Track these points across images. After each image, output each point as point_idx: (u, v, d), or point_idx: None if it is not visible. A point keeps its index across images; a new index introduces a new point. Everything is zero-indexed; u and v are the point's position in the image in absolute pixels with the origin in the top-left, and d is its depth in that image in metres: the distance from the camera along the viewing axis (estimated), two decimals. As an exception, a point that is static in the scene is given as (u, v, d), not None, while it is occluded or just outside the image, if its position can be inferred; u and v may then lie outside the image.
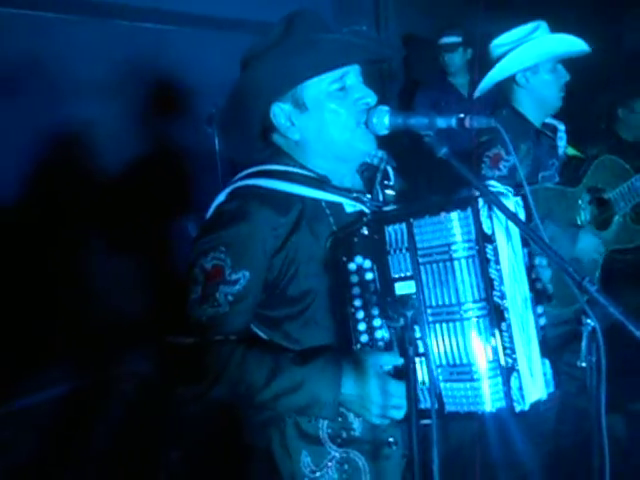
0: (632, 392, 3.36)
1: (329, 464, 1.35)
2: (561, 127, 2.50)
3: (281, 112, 1.37)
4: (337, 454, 1.36)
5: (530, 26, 2.38)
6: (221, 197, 1.36)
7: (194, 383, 1.29)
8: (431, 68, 4.04)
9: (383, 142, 1.53)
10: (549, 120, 2.50)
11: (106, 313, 3.04)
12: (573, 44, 2.34)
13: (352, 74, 1.36)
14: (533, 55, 2.37)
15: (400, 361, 1.24)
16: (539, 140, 2.47)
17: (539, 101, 2.43)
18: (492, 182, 2.38)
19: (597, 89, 3.69)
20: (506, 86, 2.46)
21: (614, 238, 2.51)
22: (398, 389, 1.24)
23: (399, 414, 1.26)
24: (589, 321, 1.22)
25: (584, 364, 1.25)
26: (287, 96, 1.36)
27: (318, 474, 1.35)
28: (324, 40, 1.32)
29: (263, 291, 1.33)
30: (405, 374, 1.12)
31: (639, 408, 3.41)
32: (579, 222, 2.49)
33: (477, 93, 2.49)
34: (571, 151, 2.56)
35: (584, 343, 1.24)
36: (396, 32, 4.27)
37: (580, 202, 2.50)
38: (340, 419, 1.35)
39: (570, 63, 2.44)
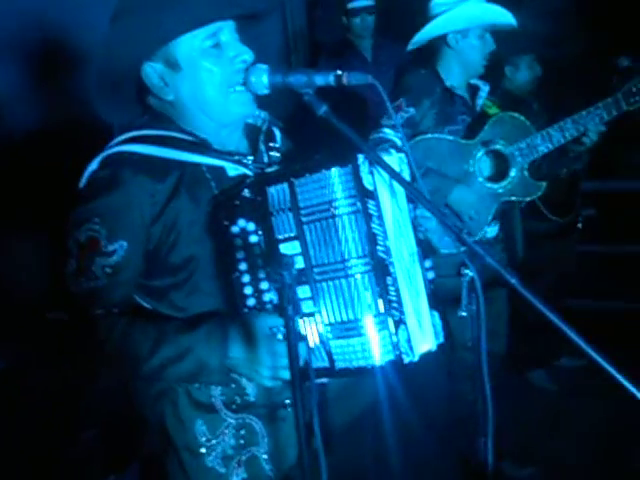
0: (555, 348, 3.55)
1: (225, 431, 1.34)
2: (485, 88, 2.65)
3: (153, 72, 1.31)
4: (233, 420, 1.34)
5: None
6: (93, 165, 1.30)
7: (79, 359, 1.24)
8: (336, 30, 4.00)
9: (274, 102, 1.50)
10: (475, 81, 2.65)
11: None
12: (502, 15, 2.51)
13: (226, 30, 1.31)
14: (465, 19, 2.53)
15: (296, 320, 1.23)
16: (451, 98, 2.62)
17: (464, 64, 2.59)
18: (386, 130, 2.49)
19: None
20: (437, 45, 2.63)
21: (510, 190, 2.60)
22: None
23: (287, 375, 1.25)
24: (468, 271, 1.25)
25: (464, 314, 1.28)
26: (158, 54, 1.30)
27: (214, 442, 1.33)
28: None
29: (144, 261, 1.29)
30: (285, 334, 1.11)
31: (562, 363, 3.62)
32: (471, 171, 2.57)
33: (410, 46, 2.63)
34: (494, 110, 2.67)
35: (464, 293, 1.27)
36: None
37: (475, 153, 2.59)
38: (233, 385, 1.33)
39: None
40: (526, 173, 2.60)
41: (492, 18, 2.53)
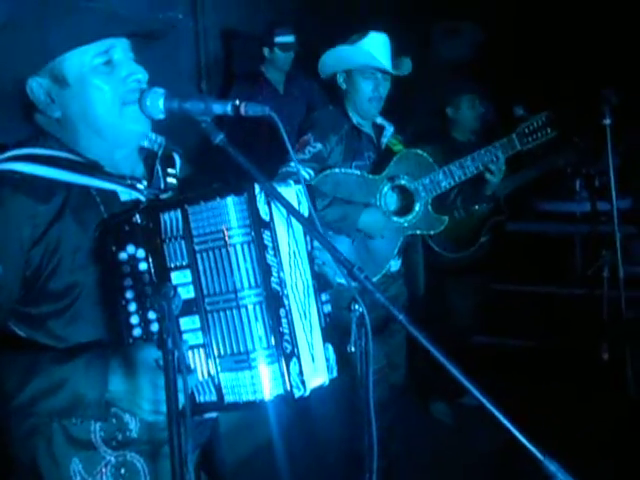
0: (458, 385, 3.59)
1: (103, 470, 1.26)
2: (390, 128, 2.76)
3: (39, 87, 1.25)
4: (112, 458, 1.26)
5: (367, 33, 2.62)
6: None
7: None
8: (250, 62, 4.02)
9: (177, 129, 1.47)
10: (380, 121, 2.76)
11: None
12: (373, 59, 2.57)
13: (119, 48, 1.27)
14: (345, 59, 2.63)
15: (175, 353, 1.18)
16: (358, 135, 2.72)
17: (354, 103, 2.69)
18: (292, 164, 2.52)
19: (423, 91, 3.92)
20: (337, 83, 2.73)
21: (414, 224, 2.70)
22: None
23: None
24: (357, 306, 1.26)
25: (353, 349, 1.28)
26: (45, 69, 1.24)
27: None
28: (84, 9, 1.22)
29: (21, 287, 1.20)
30: (164, 367, 1.06)
31: (466, 402, 3.62)
32: (377, 206, 2.65)
33: (322, 75, 2.75)
34: (399, 148, 2.77)
35: (353, 328, 1.28)
36: (215, 23, 4.20)
37: (381, 188, 2.68)
38: (114, 420, 1.26)
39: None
40: (430, 208, 2.71)
41: (364, 60, 2.59)
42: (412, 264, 2.94)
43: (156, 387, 1.16)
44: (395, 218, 2.68)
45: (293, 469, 2.69)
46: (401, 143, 2.81)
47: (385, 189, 2.68)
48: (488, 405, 1.17)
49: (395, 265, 2.74)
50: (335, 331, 1.44)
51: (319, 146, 2.57)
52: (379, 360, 2.59)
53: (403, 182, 2.68)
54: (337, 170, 2.62)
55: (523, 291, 4.40)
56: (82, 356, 1.19)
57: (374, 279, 2.53)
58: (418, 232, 2.73)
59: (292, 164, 2.42)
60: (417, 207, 2.69)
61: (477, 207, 3.41)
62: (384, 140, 2.77)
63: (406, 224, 2.69)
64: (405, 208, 2.73)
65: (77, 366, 1.18)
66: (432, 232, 2.76)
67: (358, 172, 2.66)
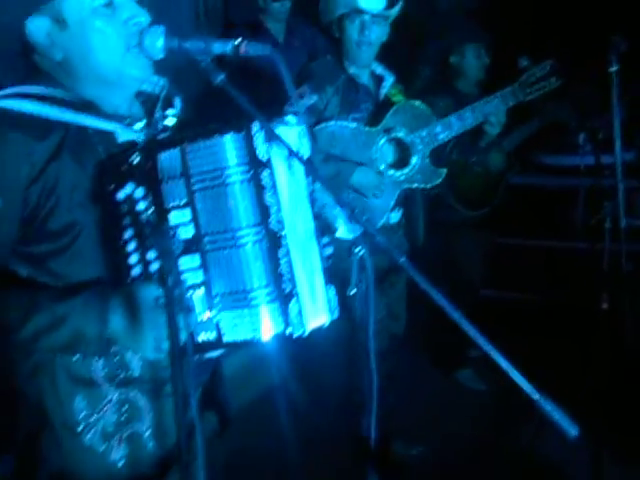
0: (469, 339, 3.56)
1: (106, 407, 1.28)
2: (389, 78, 2.69)
3: (39, 29, 1.23)
4: (115, 395, 1.28)
5: None
6: None
7: None
8: (250, 11, 3.94)
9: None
10: (380, 71, 2.69)
11: None
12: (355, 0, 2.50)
13: None
14: (334, 5, 2.56)
15: (175, 292, 1.18)
16: (355, 86, 2.65)
17: (347, 51, 2.62)
18: (289, 117, 2.47)
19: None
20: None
21: (411, 177, 2.66)
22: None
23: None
24: (358, 249, 1.25)
25: (354, 291, 1.28)
26: (44, 10, 1.22)
27: (94, 418, 1.27)
28: None
29: (20, 226, 1.20)
30: (165, 305, 1.07)
31: (475, 354, 3.62)
32: (373, 159, 2.61)
33: (322, 24, 2.70)
34: (398, 99, 2.70)
35: (354, 271, 1.28)
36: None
37: (377, 141, 2.63)
38: (116, 358, 1.28)
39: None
40: (427, 161, 2.66)
41: (350, 2, 2.52)
42: (412, 217, 2.93)
43: (156, 325, 1.17)
44: (391, 171, 2.65)
45: (294, 415, 2.74)
46: (401, 93, 2.75)
47: (381, 142, 2.64)
48: (483, 344, 1.19)
49: (394, 217, 2.73)
50: (335, 280, 1.44)
51: (315, 98, 2.52)
52: (379, 310, 2.61)
53: (400, 135, 2.63)
54: (332, 123, 2.58)
55: (525, 244, 4.40)
56: (82, 293, 1.20)
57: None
58: (415, 185, 2.69)
59: (288, 117, 2.38)
60: (414, 160, 2.64)
61: (476, 159, 3.36)
62: (383, 91, 2.70)
63: (403, 177, 2.66)
64: (402, 161, 2.69)
65: (76, 303, 1.19)
66: (429, 185, 2.71)
67: (354, 124, 2.62)
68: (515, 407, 3.12)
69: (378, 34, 2.58)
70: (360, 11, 2.52)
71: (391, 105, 2.67)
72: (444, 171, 2.69)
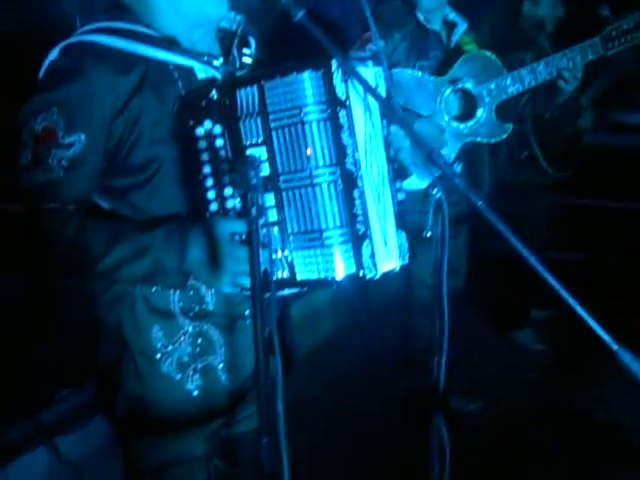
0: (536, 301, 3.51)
1: (182, 338, 1.32)
2: (462, 25, 2.57)
3: None
4: (190, 328, 1.32)
5: None
6: (53, 54, 1.23)
7: (29, 255, 1.20)
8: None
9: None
10: (453, 17, 2.58)
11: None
12: None
13: None
14: None
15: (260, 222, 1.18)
16: (425, 32, 2.55)
17: None
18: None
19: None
20: None
21: (475, 131, 2.55)
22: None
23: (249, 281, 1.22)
24: (435, 191, 1.23)
25: (430, 234, 1.27)
26: None
27: (170, 348, 1.31)
28: None
29: (104, 158, 1.23)
30: (247, 238, 1.08)
31: (539, 315, 3.56)
32: (438, 110, 2.53)
33: None
34: (470, 47, 2.58)
35: (430, 213, 1.26)
36: None
37: (443, 91, 2.53)
38: (192, 292, 1.31)
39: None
40: (493, 114, 2.54)
41: None
42: (476, 172, 2.84)
43: (234, 259, 1.19)
44: (455, 123, 2.55)
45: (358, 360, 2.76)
46: (474, 42, 2.62)
47: (447, 92, 2.53)
48: (563, 292, 1.16)
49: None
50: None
51: (381, 43, 2.43)
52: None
53: (467, 85, 2.52)
54: (398, 70, 2.50)
55: (596, 206, 4.25)
56: (163, 226, 1.23)
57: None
58: (479, 139, 2.58)
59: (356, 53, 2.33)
60: (479, 113, 2.52)
61: (585, 121, 3.20)
62: (454, 38, 2.58)
63: (466, 130, 2.55)
64: (467, 113, 2.58)
65: (158, 235, 1.22)
66: (493, 140, 2.59)
67: (420, 73, 2.53)
68: (576, 369, 3.13)
69: None
70: None
71: (462, 54, 2.56)
72: (510, 126, 2.56)
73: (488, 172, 3.01)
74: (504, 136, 2.57)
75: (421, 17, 2.54)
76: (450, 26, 2.62)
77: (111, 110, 1.21)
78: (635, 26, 2.46)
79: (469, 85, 2.52)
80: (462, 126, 2.56)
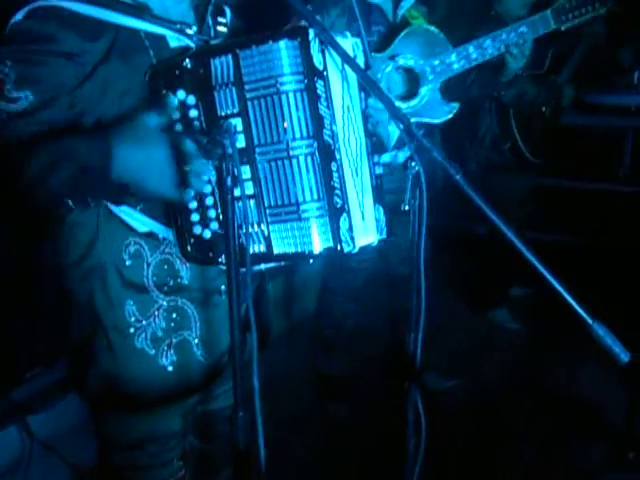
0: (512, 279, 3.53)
1: (156, 313, 1.30)
2: None
3: None
4: (164, 302, 1.30)
5: None
6: (18, 16, 1.18)
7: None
8: None
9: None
10: None
11: None
12: None
13: None
14: None
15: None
16: (367, 6, 2.35)
17: None
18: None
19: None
20: None
21: (417, 110, 2.38)
22: (197, 150, 1.13)
23: (199, 183, 1.16)
24: (414, 164, 1.22)
25: (407, 207, 1.25)
26: None
27: (144, 323, 1.29)
28: None
29: (65, 125, 1.18)
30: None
31: (518, 293, 3.58)
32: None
33: None
34: (419, 22, 2.38)
35: (408, 186, 1.24)
36: None
37: (383, 68, 2.34)
38: (166, 266, 1.29)
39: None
40: (438, 93, 2.36)
41: None
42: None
43: (181, 154, 1.13)
44: (397, 103, 2.33)
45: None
46: (423, 16, 2.43)
47: (388, 69, 2.33)
48: (539, 266, 1.16)
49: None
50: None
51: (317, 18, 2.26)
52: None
53: (408, 62, 2.32)
54: None
55: (569, 186, 4.28)
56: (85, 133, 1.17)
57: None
58: (424, 120, 2.38)
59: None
60: (423, 91, 2.33)
61: (567, 99, 3.15)
62: (400, 12, 2.38)
63: (409, 110, 2.34)
64: (410, 91, 2.37)
65: (80, 137, 1.14)
66: (437, 121, 2.40)
67: None
68: (551, 348, 3.17)
69: None
70: None
71: (401, 25, 2.35)
72: (457, 105, 2.39)
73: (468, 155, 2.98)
74: (450, 116, 2.39)
75: None
76: None
77: (75, 77, 1.17)
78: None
79: (411, 62, 2.33)
80: (405, 105, 2.36)
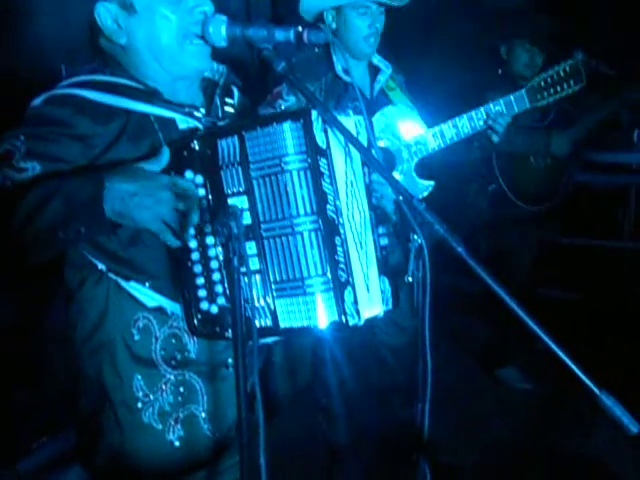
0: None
1: (163, 387, 1.31)
2: (386, 70, 2.39)
3: (107, 12, 1.27)
4: (172, 376, 1.31)
5: None
6: (36, 101, 1.25)
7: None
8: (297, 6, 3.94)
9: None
10: (377, 62, 2.39)
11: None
12: None
13: None
14: None
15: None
16: (342, 84, 2.33)
17: (346, 44, 2.28)
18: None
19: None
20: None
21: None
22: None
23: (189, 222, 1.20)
24: (416, 237, 1.25)
25: (410, 279, 1.27)
26: None
27: (152, 397, 1.30)
28: None
29: None
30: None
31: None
32: None
33: (306, 16, 2.34)
34: (395, 94, 2.41)
35: (411, 258, 1.27)
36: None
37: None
38: (174, 340, 1.31)
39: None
40: (413, 172, 2.36)
41: None
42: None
43: (156, 186, 1.18)
44: None
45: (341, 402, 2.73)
46: (400, 87, 2.41)
47: None
48: (544, 337, 1.17)
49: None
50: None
51: (292, 99, 2.17)
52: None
53: (384, 142, 2.29)
54: None
55: (575, 244, 4.30)
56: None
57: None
58: (400, 198, 2.39)
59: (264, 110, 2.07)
60: (398, 170, 2.31)
61: (557, 149, 3.18)
62: (377, 86, 2.38)
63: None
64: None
65: (72, 176, 1.17)
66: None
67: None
68: (562, 409, 3.12)
69: (383, 24, 2.27)
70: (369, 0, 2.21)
71: (387, 103, 2.34)
72: (432, 184, 2.36)
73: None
74: (425, 194, 2.36)
75: (339, 68, 2.31)
76: (374, 70, 2.40)
77: (83, 157, 1.22)
78: (562, 77, 2.32)
79: (386, 142, 2.33)
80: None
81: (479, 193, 3.31)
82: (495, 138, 2.32)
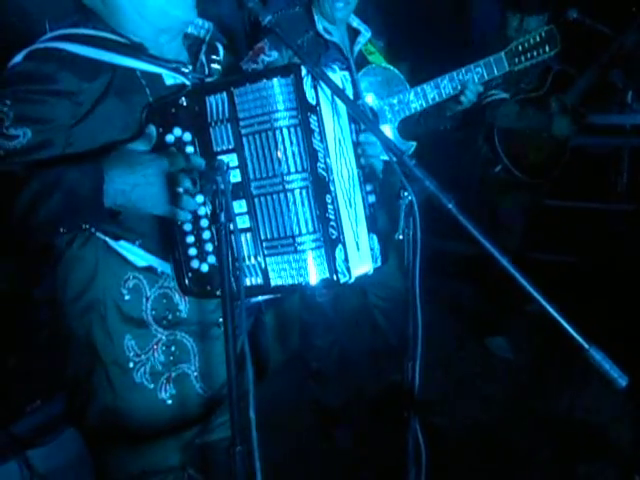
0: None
1: (155, 347, 1.30)
2: (365, 34, 2.40)
3: None
4: (163, 336, 1.31)
5: None
6: (17, 58, 1.21)
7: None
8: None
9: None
10: (357, 24, 2.40)
11: None
12: None
13: None
14: None
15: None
16: (323, 43, 2.35)
17: (319, 4, 2.30)
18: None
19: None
20: None
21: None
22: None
23: (191, 202, 1.18)
24: (406, 194, 1.23)
25: (401, 237, 1.27)
26: None
27: (143, 357, 1.30)
28: None
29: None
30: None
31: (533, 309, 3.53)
32: None
33: None
34: (375, 59, 2.40)
35: (401, 216, 1.26)
36: None
37: None
38: (165, 300, 1.30)
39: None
40: (396, 132, 2.37)
41: None
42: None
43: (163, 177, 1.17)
44: None
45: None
46: (380, 52, 2.42)
47: None
48: (533, 292, 1.17)
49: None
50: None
51: (275, 55, 2.18)
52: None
53: (366, 101, 2.29)
54: None
55: (567, 206, 4.29)
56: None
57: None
58: (382, 158, 2.38)
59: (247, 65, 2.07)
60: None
61: (558, 128, 3.19)
62: (356, 48, 2.38)
63: None
64: None
65: (70, 166, 1.15)
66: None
67: None
68: (551, 373, 3.15)
69: None
70: None
71: (365, 64, 2.35)
72: (414, 144, 2.38)
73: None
74: (409, 154, 2.41)
75: (320, 27, 2.32)
76: (354, 33, 2.40)
77: (71, 116, 1.19)
78: (540, 41, 2.35)
79: (369, 100, 2.33)
80: None
81: (472, 158, 3.30)
82: (464, 100, 2.32)
